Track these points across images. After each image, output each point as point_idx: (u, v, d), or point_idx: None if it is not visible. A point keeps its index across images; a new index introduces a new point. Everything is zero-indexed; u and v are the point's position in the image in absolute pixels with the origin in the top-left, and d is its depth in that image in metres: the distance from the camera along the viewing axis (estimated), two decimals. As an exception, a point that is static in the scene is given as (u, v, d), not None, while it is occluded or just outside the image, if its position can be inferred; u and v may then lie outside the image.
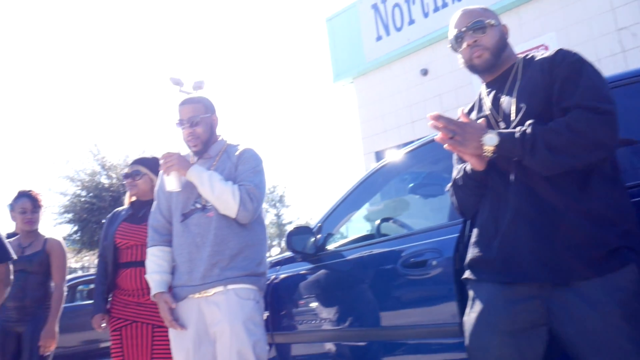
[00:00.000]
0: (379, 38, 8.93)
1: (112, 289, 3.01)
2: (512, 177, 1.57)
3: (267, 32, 77.63)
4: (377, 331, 2.29)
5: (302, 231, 2.60)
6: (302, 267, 2.66)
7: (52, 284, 3.25)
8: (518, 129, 1.51)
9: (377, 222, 2.79)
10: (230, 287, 2.26)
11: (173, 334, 2.40)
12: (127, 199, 3.19)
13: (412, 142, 2.67)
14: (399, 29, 8.64)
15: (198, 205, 2.43)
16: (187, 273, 2.37)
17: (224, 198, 2.26)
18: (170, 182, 2.39)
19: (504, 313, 1.53)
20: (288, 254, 2.85)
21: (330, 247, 2.67)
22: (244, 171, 2.37)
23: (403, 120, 8.36)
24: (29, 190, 3.29)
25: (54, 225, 14.48)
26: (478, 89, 1.82)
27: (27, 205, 3.21)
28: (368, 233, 2.85)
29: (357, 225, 2.98)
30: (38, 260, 3.14)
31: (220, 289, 2.27)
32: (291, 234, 2.57)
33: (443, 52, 7.64)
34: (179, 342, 2.37)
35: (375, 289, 2.32)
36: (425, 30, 8.16)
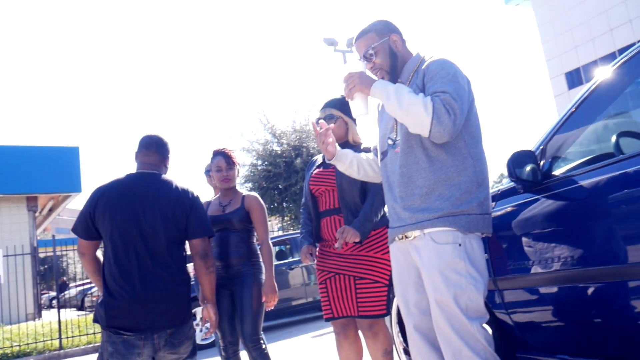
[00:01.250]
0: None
1: (318, 239, 2.94)
2: None
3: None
4: (624, 269, 1.83)
5: (523, 157, 2.17)
6: (525, 199, 2.25)
7: (255, 241, 3.27)
8: None
9: (614, 138, 2.24)
10: (426, 231, 1.96)
11: (395, 279, 2.20)
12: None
13: (611, 54, 2.06)
14: None
15: (390, 142, 2.16)
16: (391, 215, 2.18)
17: (414, 110, 1.88)
18: (356, 106, 2.09)
19: None
20: (504, 186, 2.46)
21: (558, 172, 2.22)
22: (435, 83, 1.95)
23: (597, 30, 7.20)
24: (222, 149, 3.31)
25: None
26: None
27: (221, 163, 3.24)
28: (602, 153, 2.32)
29: (580, 149, 2.47)
30: (238, 218, 3.14)
31: (417, 233, 2.00)
32: (512, 160, 2.16)
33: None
34: (398, 288, 2.17)
35: (622, 219, 1.85)
36: None
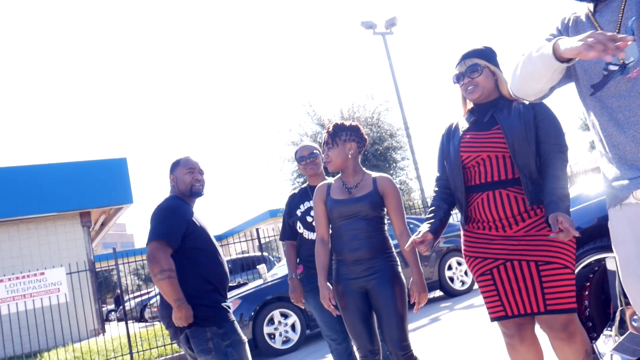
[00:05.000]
0: None
1: (467, 221, 2.35)
2: None
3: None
4: None
5: None
6: None
7: (385, 228, 2.71)
8: None
9: None
10: None
11: (631, 254, 1.63)
12: (464, 106, 2.50)
13: None
14: None
15: (613, 67, 1.61)
16: (620, 164, 1.65)
17: None
18: None
19: None
20: None
21: None
22: None
23: None
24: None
25: (292, 191, 15.12)
26: None
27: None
28: None
29: None
30: (371, 203, 2.61)
31: None
32: None
33: None
34: (625, 265, 1.64)
35: None
36: None
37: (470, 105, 2.48)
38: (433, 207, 2.41)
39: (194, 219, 2.76)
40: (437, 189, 2.46)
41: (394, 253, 2.66)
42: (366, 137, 2.85)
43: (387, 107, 15.64)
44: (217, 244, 2.86)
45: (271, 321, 6.93)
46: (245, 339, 2.65)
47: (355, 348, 2.63)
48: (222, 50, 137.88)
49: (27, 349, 11.27)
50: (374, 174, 2.75)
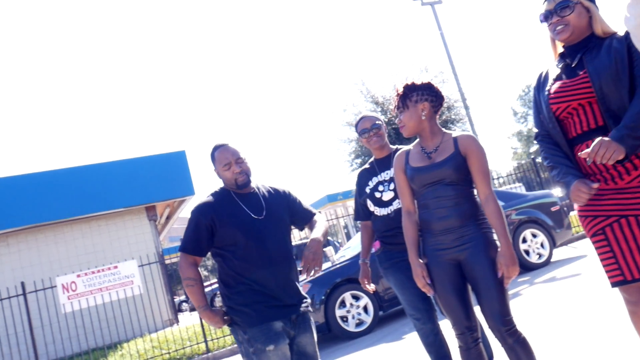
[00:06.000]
0: None
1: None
2: None
3: None
4: None
5: None
6: None
7: (475, 193, 2.46)
8: None
9: None
10: None
11: None
12: (554, 50, 2.22)
13: None
14: None
15: None
16: None
17: None
18: None
19: None
20: None
21: None
22: None
23: None
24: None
25: (350, 172, 14.92)
26: None
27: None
28: None
29: None
30: (455, 166, 2.36)
31: None
32: None
33: None
34: None
35: None
36: None
37: (560, 48, 2.20)
38: (553, 159, 2.15)
39: (216, 217, 2.56)
40: (543, 146, 2.21)
41: (487, 220, 2.41)
42: (442, 94, 2.57)
43: (442, 79, 15.08)
44: (261, 228, 2.60)
45: (343, 304, 6.80)
46: (272, 347, 2.43)
47: (451, 325, 2.40)
48: (272, 35, 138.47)
49: (108, 341, 11.73)
50: (455, 133, 2.49)
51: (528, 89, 43.32)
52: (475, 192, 2.42)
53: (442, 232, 2.36)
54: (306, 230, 2.97)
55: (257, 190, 2.75)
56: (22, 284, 8.62)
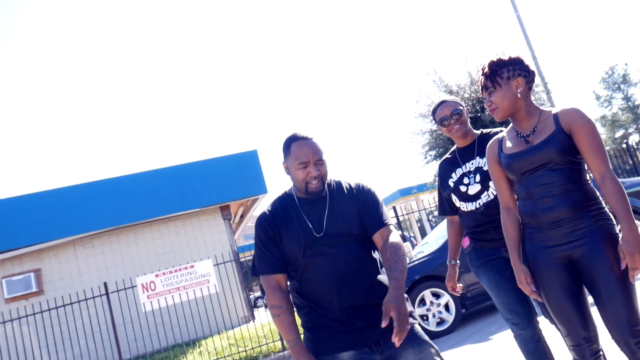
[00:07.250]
0: None
1: None
2: None
3: None
4: None
5: None
6: None
7: (587, 179, 2.07)
8: None
9: None
10: None
11: None
12: None
13: None
14: None
15: None
16: None
17: None
18: None
19: None
20: None
21: None
22: None
23: None
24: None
25: (424, 165, 14.41)
26: None
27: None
28: None
29: None
30: (559, 146, 1.98)
31: None
32: None
33: None
34: None
35: None
36: None
37: None
38: None
39: (277, 229, 2.18)
40: None
41: (606, 209, 2.02)
42: (532, 68, 2.18)
43: (520, 63, 14.20)
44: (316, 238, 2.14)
45: (422, 302, 6.44)
46: None
47: (563, 335, 2.03)
48: (343, 28, 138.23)
49: (186, 338, 11.97)
50: (555, 109, 2.10)
51: (612, 71, 40.72)
52: (588, 176, 2.02)
53: (550, 225, 1.99)
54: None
55: (327, 191, 2.24)
56: (105, 284, 8.88)
